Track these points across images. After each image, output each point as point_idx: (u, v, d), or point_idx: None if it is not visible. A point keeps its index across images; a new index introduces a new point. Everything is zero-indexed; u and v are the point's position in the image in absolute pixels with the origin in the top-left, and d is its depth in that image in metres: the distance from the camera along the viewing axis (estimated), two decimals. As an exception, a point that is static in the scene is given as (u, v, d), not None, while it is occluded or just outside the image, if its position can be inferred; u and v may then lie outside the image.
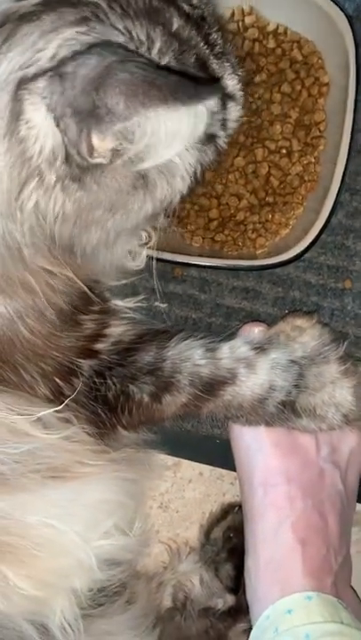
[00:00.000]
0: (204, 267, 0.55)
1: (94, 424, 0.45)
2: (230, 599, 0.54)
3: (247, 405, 0.46)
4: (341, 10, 0.51)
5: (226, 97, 0.39)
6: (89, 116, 0.31)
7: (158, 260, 0.53)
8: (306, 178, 0.54)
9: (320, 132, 0.54)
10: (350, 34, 0.51)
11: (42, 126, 0.33)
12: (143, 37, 0.34)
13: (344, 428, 0.48)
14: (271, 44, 0.55)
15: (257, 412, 0.47)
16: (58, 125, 0.32)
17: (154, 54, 0.34)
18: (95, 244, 0.39)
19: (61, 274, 0.40)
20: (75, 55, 0.32)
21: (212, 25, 0.38)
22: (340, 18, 0.51)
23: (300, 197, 0.55)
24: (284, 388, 0.46)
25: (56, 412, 0.43)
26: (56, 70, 0.32)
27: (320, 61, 0.54)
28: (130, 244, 0.45)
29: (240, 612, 0.52)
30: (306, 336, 0.47)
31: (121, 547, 0.46)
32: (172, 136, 0.33)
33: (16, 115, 0.33)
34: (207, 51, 0.37)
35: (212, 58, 0.38)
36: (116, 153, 0.33)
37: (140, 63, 0.32)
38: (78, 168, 0.34)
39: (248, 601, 0.48)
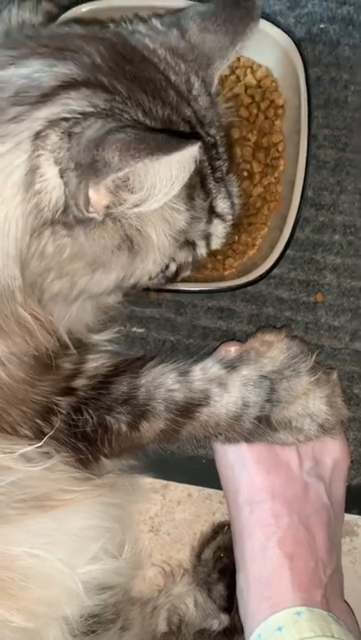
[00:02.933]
0: (179, 292, 0.56)
1: (76, 457, 0.46)
2: (225, 619, 0.53)
3: (224, 424, 0.47)
4: (289, 35, 0.53)
5: (213, 214, 0.45)
6: (88, 169, 0.36)
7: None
8: (268, 198, 0.56)
9: (279, 152, 0.56)
10: (299, 57, 0.53)
11: (51, 179, 0.37)
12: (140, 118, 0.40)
13: (322, 437, 0.49)
14: (225, 71, 0.56)
15: (234, 430, 0.47)
16: (62, 177, 0.37)
17: None
18: (55, 293, 0.42)
19: (46, 320, 0.43)
20: (85, 116, 0.38)
21: (221, 155, 0.44)
22: (289, 43, 0.53)
23: (264, 217, 0.56)
24: (257, 403, 0.47)
25: (38, 448, 0.44)
26: (67, 129, 0.37)
27: (274, 84, 0.56)
28: (85, 310, 0.47)
29: (235, 631, 0.52)
30: (275, 350, 0.48)
31: (110, 570, 0.47)
32: (160, 182, 0.37)
33: (33, 168, 0.38)
34: (209, 171, 0.43)
35: (210, 178, 0.44)
36: (110, 209, 0.38)
37: (139, 127, 0.38)
38: (74, 219, 0.38)
39: (241, 619, 0.48)
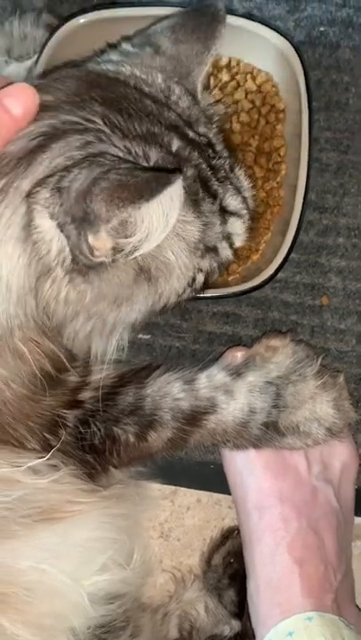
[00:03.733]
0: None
1: (85, 469, 0.46)
2: (236, 625, 0.53)
3: (231, 430, 0.47)
4: (288, 39, 0.53)
5: (226, 213, 0.44)
6: (83, 221, 0.37)
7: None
8: (271, 203, 0.56)
9: (280, 157, 0.56)
10: (298, 61, 0.53)
11: (48, 231, 0.38)
12: (140, 153, 0.40)
13: (330, 441, 0.48)
14: (225, 76, 0.57)
15: (242, 436, 0.47)
16: (62, 231, 0.38)
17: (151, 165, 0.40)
18: (89, 331, 0.43)
19: (43, 343, 0.43)
20: (68, 168, 0.37)
21: (220, 153, 0.44)
22: (288, 47, 0.53)
23: (267, 222, 0.56)
24: (264, 409, 0.47)
25: (44, 460, 0.44)
26: (55, 184, 0.37)
27: (274, 89, 0.56)
28: (124, 338, 0.48)
29: (246, 637, 0.52)
30: (280, 355, 0.48)
31: (119, 580, 0.47)
32: (153, 222, 0.37)
33: (28, 221, 0.38)
34: (209, 172, 0.43)
35: (213, 179, 0.43)
36: (116, 251, 0.38)
37: (121, 169, 0.37)
38: (85, 266, 0.39)
39: (252, 625, 0.48)
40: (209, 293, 0.55)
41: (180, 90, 0.44)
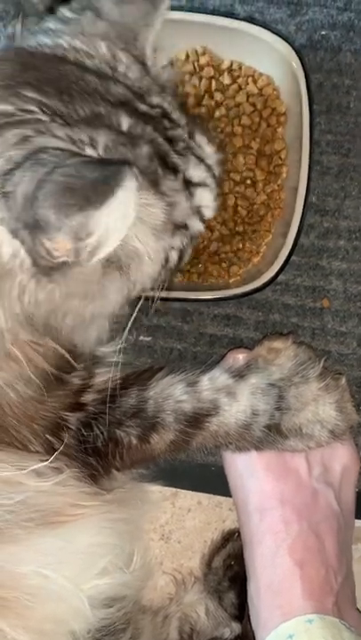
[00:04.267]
0: (185, 300, 0.57)
1: (88, 472, 0.46)
2: (236, 627, 0.53)
3: (234, 433, 0.47)
4: (289, 43, 0.54)
5: (192, 186, 0.41)
6: (34, 227, 0.34)
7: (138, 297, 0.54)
8: (271, 205, 0.56)
9: (281, 159, 0.56)
10: (300, 64, 0.53)
11: (3, 238, 0.35)
12: (86, 139, 0.36)
13: (333, 443, 0.48)
14: (227, 80, 0.57)
15: (245, 438, 0.47)
16: (16, 237, 0.35)
17: (100, 151, 0.37)
18: (70, 326, 0.42)
19: (45, 343, 0.43)
20: (11, 171, 0.34)
21: (177, 121, 0.40)
22: (289, 50, 0.53)
23: (268, 224, 0.56)
24: (266, 411, 0.47)
25: (49, 462, 0.44)
26: (0, 191, 0.34)
27: (275, 92, 0.56)
28: (105, 327, 0.47)
29: (246, 639, 0.52)
30: (282, 357, 0.48)
31: (118, 584, 0.47)
32: (109, 224, 0.34)
33: None
34: (167, 146, 0.40)
35: (172, 152, 0.40)
36: (77, 251, 0.35)
37: (66, 167, 0.34)
38: (46, 267, 0.36)
39: (253, 627, 0.48)
40: (210, 295, 0.55)
41: (128, 58, 0.40)
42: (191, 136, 0.42)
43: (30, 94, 0.37)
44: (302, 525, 0.47)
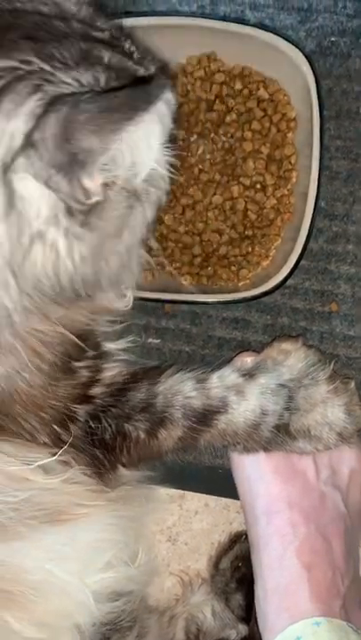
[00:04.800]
0: (194, 303, 0.57)
1: (94, 466, 0.46)
2: (243, 629, 0.53)
3: (242, 432, 0.47)
4: (299, 49, 0.54)
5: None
6: (72, 165, 0.34)
7: (148, 299, 0.55)
8: (281, 210, 0.57)
9: (291, 164, 0.56)
10: (310, 70, 0.53)
11: (33, 195, 0.35)
12: (91, 80, 0.36)
13: (341, 446, 0.49)
14: (238, 85, 0.57)
15: (253, 438, 0.48)
16: (49, 187, 0.35)
17: (102, 88, 0.36)
18: (116, 269, 0.42)
19: (53, 331, 0.42)
20: (36, 122, 0.34)
21: (122, 37, 0.40)
22: (299, 56, 0.54)
23: (278, 229, 0.56)
24: (275, 411, 0.47)
25: (56, 455, 0.44)
26: (27, 143, 0.34)
27: (286, 98, 0.57)
28: (140, 257, 0.46)
29: (253, 641, 0.52)
30: (292, 359, 0.48)
31: (123, 578, 0.47)
32: (149, 142, 0.35)
33: (10, 196, 0.35)
34: (131, 63, 0.39)
35: (137, 66, 0.39)
36: (107, 186, 0.36)
37: (89, 97, 0.34)
38: (81, 214, 0.36)
39: (260, 629, 0.48)
40: (219, 298, 0.56)
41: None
42: (128, 37, 0.41)
43: (22, 46, 0.36)
44: (310, 528, 0.48)
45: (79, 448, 0.46)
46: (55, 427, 0.45)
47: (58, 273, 0.38)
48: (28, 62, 0.35)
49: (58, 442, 0.45)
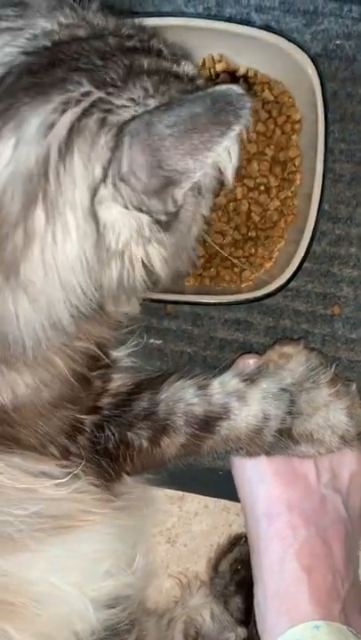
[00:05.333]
0: (196, 304, 0.57)
1: (101, 476, 0.47)
2: (242, 632, 0.53)
3: (245, 437, 0.47)
4: (305, 51, 0.54)
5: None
6: (167, 186, 0.35)
7: (150, 299, 0.55)
8: (285, 212, 0.56)
9: (295, 167, 0.56)
10: (315, 73, 0.53)
11: (118, 220, 0.36)
12: (141, 93, 0.36)
13: (343, 449, 0.49)
14: (243, 87, 0.57)
15: (255, 443, 0.48)
16: (141, 211, 0.36)
17: (158, 98, 0.37)
18: (186, 263, 0.43)
19: (80, 345, 0.43)
20: (114, 154, 0.35)
21: (148, 37, 0.40)
22: (305, 59, 0.54)
23: (281, 231, 0.56)
24: (278, 416, 0.47)
25: (64, 467, 0.44)
26: (117, 177, 0.35)
27: (291, 100, 0.57)
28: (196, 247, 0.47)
29: (252, 645, 0.52)
30: (293, 362, 0.49)
31: (121, 585, 0.47)
32: (231, 145, 0.36)
33: (96, 225, 0.36)
34: (166, 62, 0.39)
35: (172, 64, 0.39)
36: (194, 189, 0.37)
37: (167, 115, 0.34)
38: (167, 223, 0.37)
39: (259, 632, 0.48)
40: (221, 299, 0.55)
41: (94, 6, 0.40)
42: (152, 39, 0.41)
43: (78, 78, 0.36)
44: (310, 531, 0.47)
45: (86, 458, 0.46)
46: (64, 438, 0.45)
47: (133, 283, 0.39)
48: (88, 94, 0.36)
49: (65, 453, 0.45)
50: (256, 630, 0.49)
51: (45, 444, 0.44)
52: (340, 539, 0.48)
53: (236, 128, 0.34)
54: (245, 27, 0.56)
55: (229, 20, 0.59)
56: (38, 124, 0.35)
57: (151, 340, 0.58)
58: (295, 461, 0.49)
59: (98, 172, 0.35)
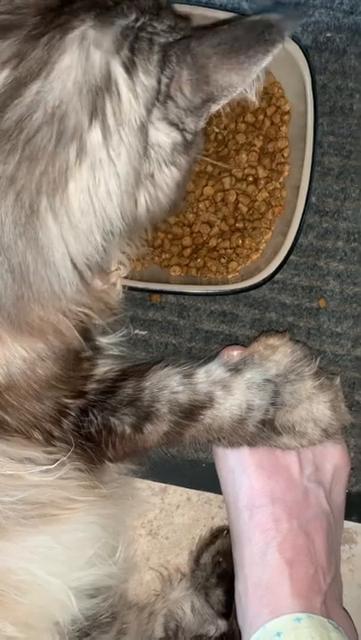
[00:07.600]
0: (181, 293, 0.56)
1: (85, 461, 0.46)
2: (222, 625, 0.53)
3: (227, 427, 0.47)
4: (296, 42, 0.54)
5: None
6: (207, 101, 0.37)
7: (136, 289, 0.54)
8: (273, 203, 0.56)
9: (284, 158, 0.56)
10: (306, 64, 0.53)
11: (162, 140, 0.38)
12: (172, 23, 0.39)
13: (325, 442, 0.49)
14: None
15: (238, 433, 0.47)
16: (178, 128, 0.38)
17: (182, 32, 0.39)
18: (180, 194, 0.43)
19: (81, 312, 0.43)
20: (162, 70, 0.37)
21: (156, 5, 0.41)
22: (296, 50, 0.53)
23: (269, 222, 0.56)
24: (261, 406, 0.47)
25: (49, 453, 0.44)
26: (166, 94, 0.37)
27: (280, 91, 0.57)
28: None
29: (233, 637, 0.52)
30: (279, 354, 0.48)
31: (102, 575, 0.47)
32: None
33: (144, 146, 0.38)
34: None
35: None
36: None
37: (209, 37, 0.36)
38: (188, 145, 0.40)
39: (239, 624, 0.48)
40: (207, 290, 0.55)
41: None
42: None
43: (127, 4, 0.37)
44: (292, 524, 0.47)
45: (70, 443, 0.45)
46: (49, 422, 0.45)
47: (156, 208, 0.40)
48: (136, 19, 0.37)
49: (49, 438, 0.45)
50: (237, 622, 0.48)
51: (29, 430, 0.44)
52: (323, 532, 0.48)
53: (279, 45, 0.36)
54: (235, 15, 0.55)
55: (220, 9, 0.58)
56: (107, 40, 0.36)
57: (136, 331, 0.58)
58: (278, 453, 0.49)
59: (152, 90, 0.37)
